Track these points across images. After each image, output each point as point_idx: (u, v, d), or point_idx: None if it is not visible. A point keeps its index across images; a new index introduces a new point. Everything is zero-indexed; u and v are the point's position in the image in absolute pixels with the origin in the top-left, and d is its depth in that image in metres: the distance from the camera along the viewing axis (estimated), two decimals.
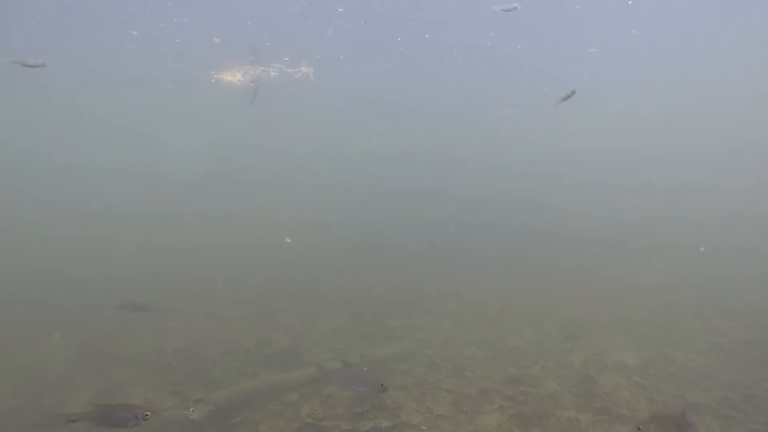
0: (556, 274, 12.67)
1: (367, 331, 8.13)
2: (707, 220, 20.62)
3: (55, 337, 7.98)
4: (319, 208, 25.16)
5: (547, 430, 4.84)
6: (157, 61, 22.19)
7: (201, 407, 4.37)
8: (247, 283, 11.35)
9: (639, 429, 2.93)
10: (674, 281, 11.45)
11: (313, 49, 21.31)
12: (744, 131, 32.48)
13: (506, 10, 5.62)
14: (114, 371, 6.45)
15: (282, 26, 19.22)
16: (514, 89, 28.63)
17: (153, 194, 27.13)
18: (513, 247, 16.37)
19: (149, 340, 7.67)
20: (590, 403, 5.38)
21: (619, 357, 6.73)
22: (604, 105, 31.96)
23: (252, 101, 10.39)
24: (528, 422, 4.99)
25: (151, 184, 29.88)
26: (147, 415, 2.99)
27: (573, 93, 4.96)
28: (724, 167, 31.91)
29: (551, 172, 33.73)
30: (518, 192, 28.84)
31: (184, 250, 15.36)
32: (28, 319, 8.62)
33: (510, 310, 9.35)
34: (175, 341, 7.55)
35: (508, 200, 26.58)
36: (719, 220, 20.50)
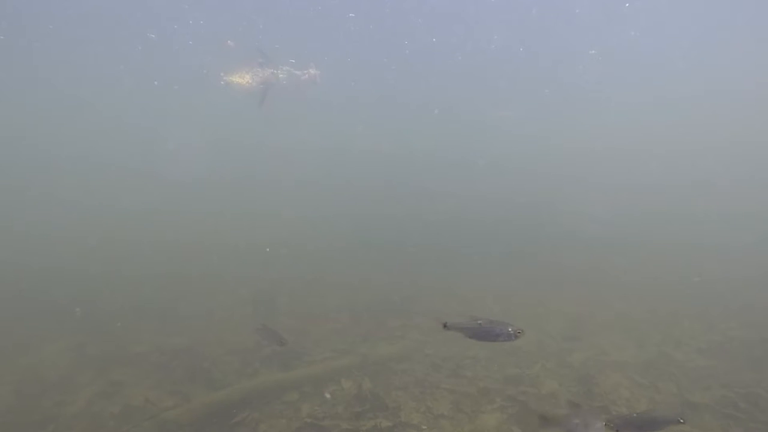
0: (556, 273, 12.65)
1: (367, 330, 8.13)
2: (707, 219, 20.60)
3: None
4: (320, 207, 25.16)
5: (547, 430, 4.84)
6: (168, 63, 22.36)
7: None
8: (247, 283, 11.35)
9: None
10: (674, 281, 11.44)
11: (321, 52, 21.46)
12: (743, 129, 32.51)
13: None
14: (114, 371, 6.45)
15: (293, 29, 19.41)
16: (516, 90, 28.71)
17: (156, 194, 27.18)
18: (513, 247, 16.36)
19: (149, 340, 7.66)
20: (590, 402, 5.38)
21: (619, 356, 6.73)
22: (604, 105, 32.05)
23: (260, 103, 10.37)
24: (528, 422, 4.98)
25: (155, 184, 29.95)
26: (519, 332, 3.05)
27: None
28: (723, 166, 31.90)
29: (551, 172, 33.78)
30: (518, 192, 28.86)
31: (186, 250, 15.37)
32: (29, 319, 8.63)
33: (510, 310, 9.35)
34: (175, 341, 7.55)
35: (509, 200, 26.59)
36: (719, 219, 20.48)
